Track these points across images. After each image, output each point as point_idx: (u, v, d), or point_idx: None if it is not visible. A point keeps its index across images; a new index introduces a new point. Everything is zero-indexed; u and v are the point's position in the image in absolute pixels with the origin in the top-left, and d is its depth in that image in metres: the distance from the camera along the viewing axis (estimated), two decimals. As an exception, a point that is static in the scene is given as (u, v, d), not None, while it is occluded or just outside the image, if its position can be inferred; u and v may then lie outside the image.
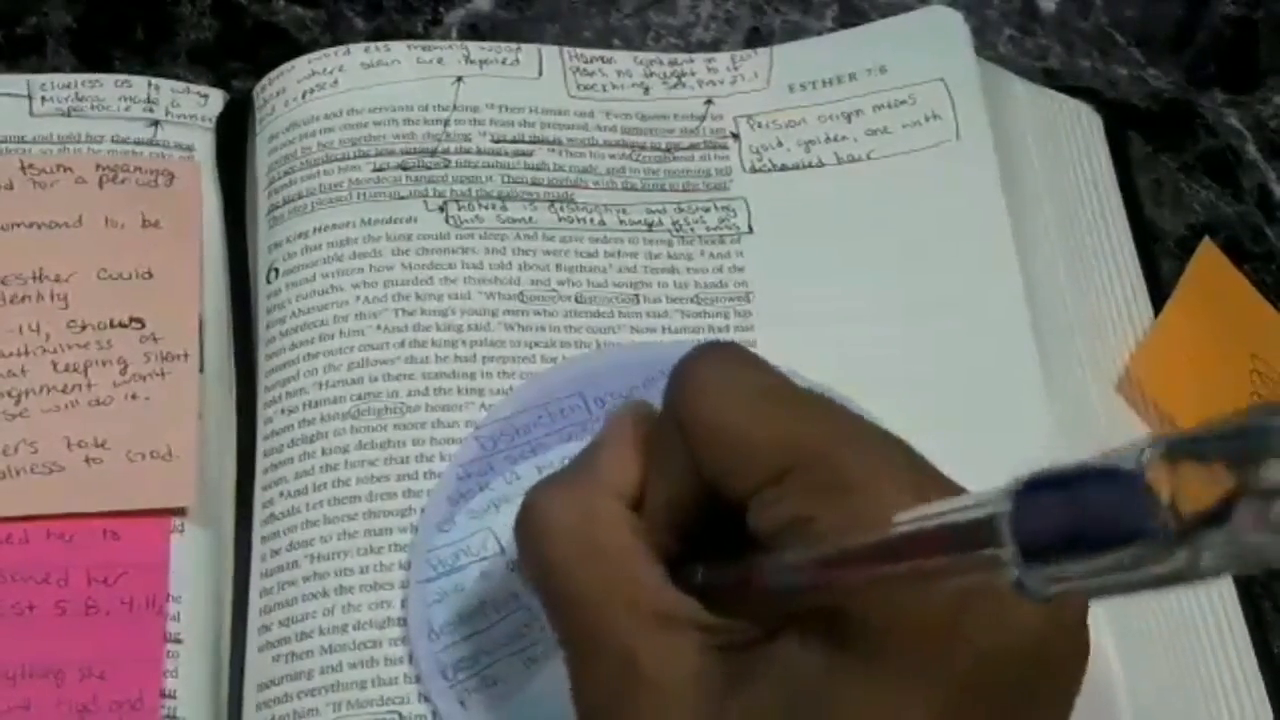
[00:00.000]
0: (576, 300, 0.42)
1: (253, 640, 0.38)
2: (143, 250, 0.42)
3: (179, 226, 0.43)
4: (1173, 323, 0.44)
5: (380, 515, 0.39)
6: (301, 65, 0.45)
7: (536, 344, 0.41)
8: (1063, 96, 0.48)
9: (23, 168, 0.43)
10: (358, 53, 0.46)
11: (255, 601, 0.38)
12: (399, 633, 0.37)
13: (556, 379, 0.41)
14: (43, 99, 0.45)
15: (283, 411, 0.40)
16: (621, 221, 0.44)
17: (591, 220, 0.44)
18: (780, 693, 0.27)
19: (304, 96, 0.45)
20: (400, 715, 0.37)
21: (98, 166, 0.43)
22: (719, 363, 0.31)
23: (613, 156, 0.45)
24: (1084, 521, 0.20)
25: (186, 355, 0.41)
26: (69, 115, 0.44)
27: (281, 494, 0.39)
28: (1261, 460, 0.18)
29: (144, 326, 0.41)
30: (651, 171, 0.45)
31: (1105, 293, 0.45)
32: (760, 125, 0.46)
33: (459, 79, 0.46)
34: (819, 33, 0.49)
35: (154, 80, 0.45)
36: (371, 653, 0.37)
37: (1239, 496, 0.18)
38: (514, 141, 0.45)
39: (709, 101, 0.46)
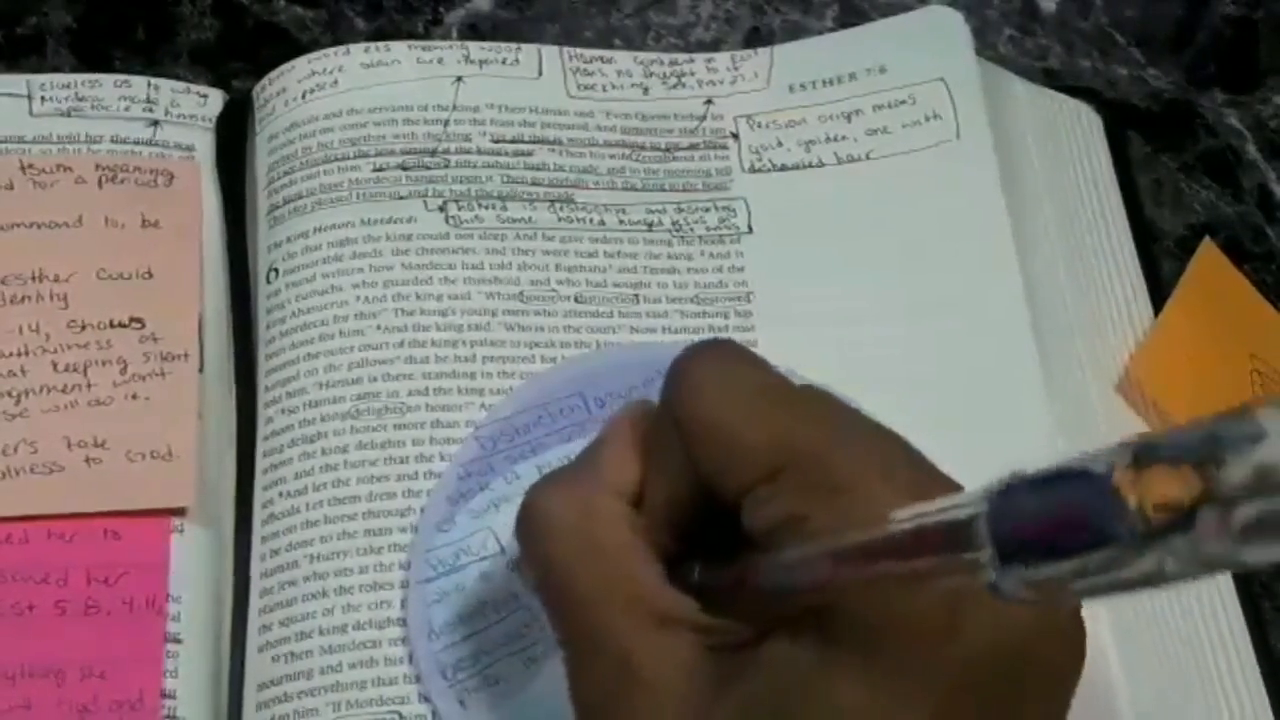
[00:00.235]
0: (576, 300, 0.42)
1: (253, 640, 0.38)
2: (143, 250, 0.42)
3: (179, 226, 0.43)
4: (1173, 323, 0.44)
5: (380, 515, 0.39)
6: (301, 65, 0.45)
7: (536, 344, 0.41)
8: (1063, 96, 0.48)
9: (22, 168, 0.43)
10: (358, 53, 0.46)
11: (255, 601, 0.39)
12: (399, 633, 0.37)
13: (556, 379, 0.41)
14: (42, 99, 0.45)
15: (283, 411, 0.40)
16: (621, 222, 0.44)
17: (591, 220, 0.44)
18: (772, 691, 0.27)
19: (304, 96, 0.45)
20: (400, 715, 0.37)
21: (97, 166, 0.43)
22: (715, 360, 0.31)
23: (612, 156, 0.45)
24: (1056, 524, 0.20)
25: (186, 355, 0.41)
26: (69, 115, 0.44)
27: (281, 494, 0.39)
28: (1223, 465, 0.18)
29: (144, 326, 0.41)
30: (651, 171, 0.45)
31: (1105, 293, 0.45)
32: (760, 125, 0.46)
33: (459, 79, 0.46)
34: (819, 33, 0.49)
35: (154, 80, 0.45)
36: (371, 653, 0.37)
37: (1202, 502, 0.18)
38: (514, 141, 0.45)
39: (709, 101, 0.46)
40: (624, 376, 0.41)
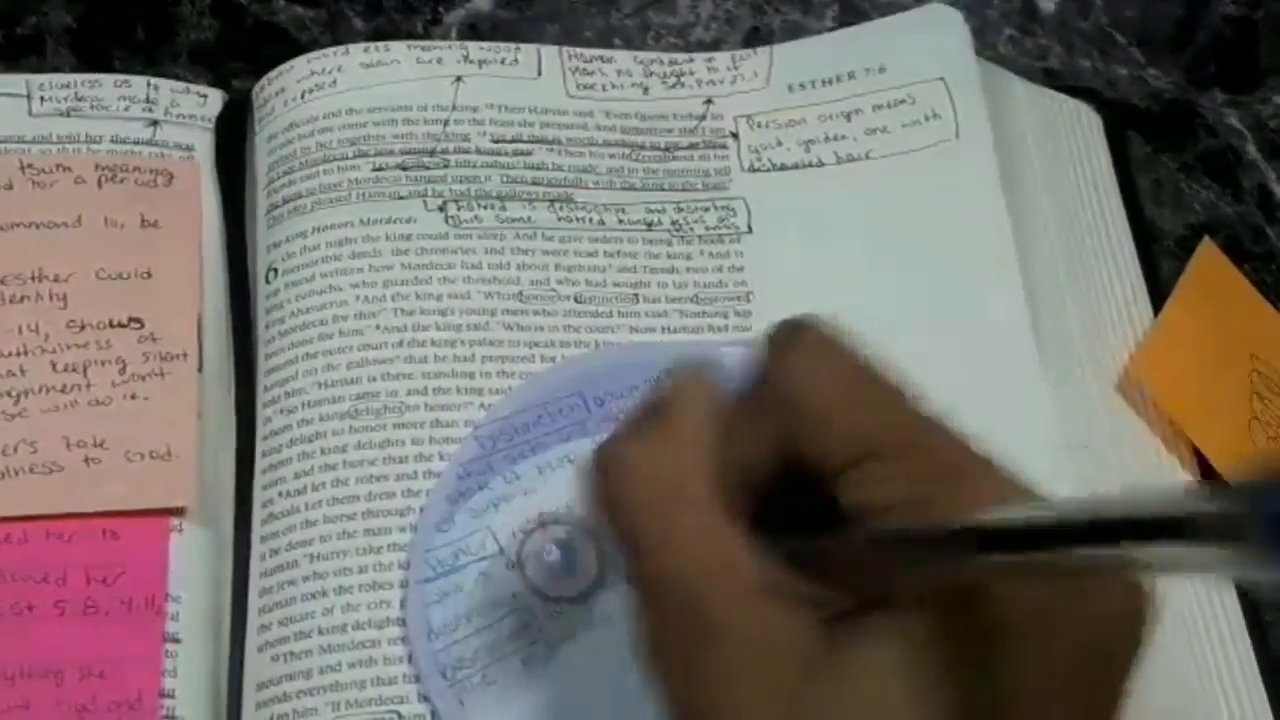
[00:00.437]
0: (576, 300, 0.42)
1: (252, 640, 0.38)
2: (142, 250, 0.42)
3: (178, 226, 0.43)
4: (1173, 322, 0.44)
5: (379, 515, 0.39)
6: (301, 65, 0.45)
7: (536, 344, 0.41)
8: (1063, 96, 0.48)
9: (22, 167, 0.43)
10: (357, 53, 0.45)
11: (254, 601, 0.39)
12: (398, 632, 0.37)
13: (556, 378, 0.41)
14: (42, 99, 0.45)
15: (282, 411, 0.40)
16: (621, 221, 0.44)
17: (591, 220, 0.44)
18: (887, 660, 0.27)
19: (303, 96, 0.45)
20: (399, 715, 0.37)
21: (97, 166, 0.43)
22: (818, 337, 0.31)
23: (612, 156, 0.45)
24: None
25: (185, 355, 0.41)
26: (68, 115, 0.44)
27: (280, 494, 0.39)
28: None
29: (143, 326, 0.41)
30: (651, 171, 0.45)
31: (1105, 293, 0.45)
32: (760, 125, 0.46)
33: (458, 79, 0.46)
34: (819, 32, 0.49)
35: (153, 80, 0.45)
36: (370, 652, 0.37)
37: None
38: (513, 141, 0.45)
39: (708, 101, 0.46)
40: (624, 376, 0.41)
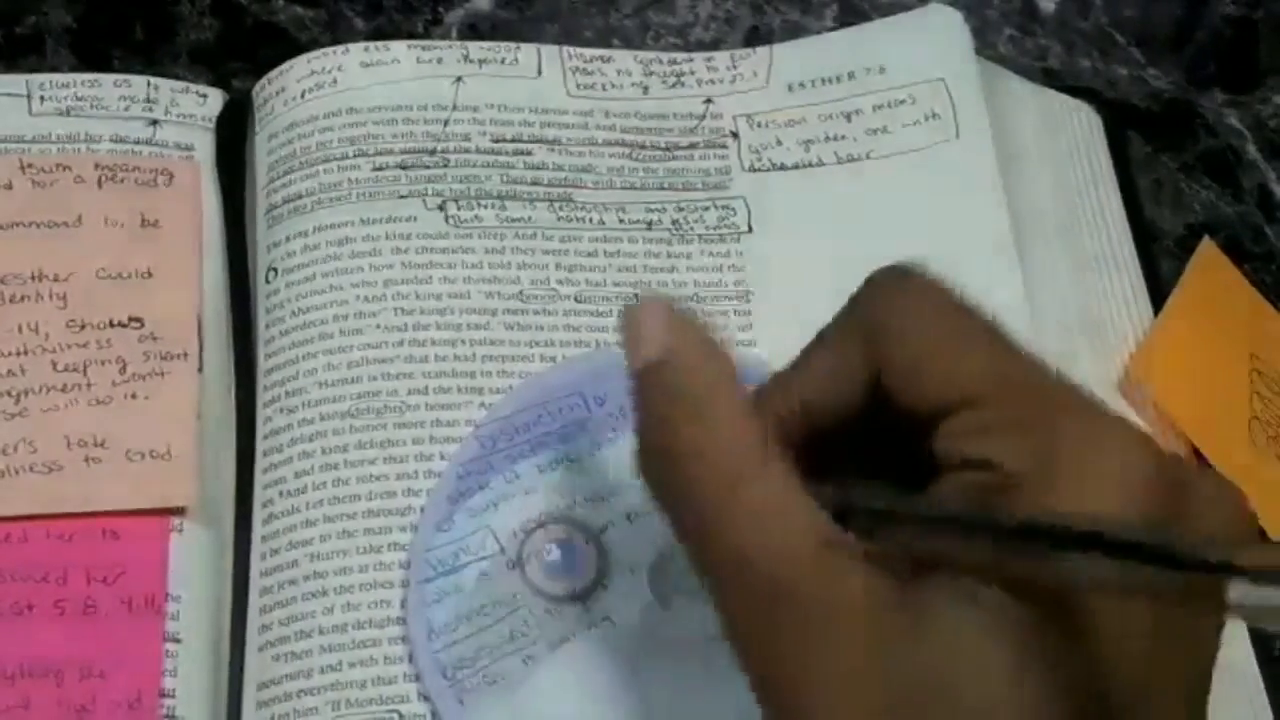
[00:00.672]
0: (576, 299, 0.42)
1: (252, 639, 0.38)
2: (142, 250, 0.42)
3: (178, 226, 0.43)
4: (1173, 322, 0.44)
5: (380, 515, 0.39)
6: (301, 65, 0.45)
7: (536, 343, 0.41)
8: (1063, 96, 0.48)
9: (22, 167, 0.43)
10: (357, 52, 0.46)
11: (255, 601, 0.38)
12: (398, 632, 0.37)
13: (556, 378, 0.41)
14: (42, 98, 0.45)
15: (282, 411, 0.40)
16: (621, 221, 0.44)
17: (591, 219, 0.44)
18: (985, 624, 0.26)
19: (303, 96, 0.45)
20: (400, 714, 0.37)
21: (97, 166, 0.43)
22: (924, 279, 0.30)
23: (612, 156, 0.45)
24: None
25: (186, 355, 0.41)
26: (68, 115, 0.44)
27: (281, 493, 0.39)
28: None
29: (143, 326, 0.41)
30: (651, 171, 0.45)
31: (1105, 293, 0.45)
32: (760, 124, 0.46)
33: (458, 78, 0.46)
34: (819, 32, 0.49)
35: (153, 80, 0.45)
36: (371, 652, 0.37)
37: None
38: (513, 141, 0.45)
39: (708, 101, 0.46)
40: (623, 376, 0.40)
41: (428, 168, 0.44)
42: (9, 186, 0.43)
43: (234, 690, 0.38)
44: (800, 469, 0.29)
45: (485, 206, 0.43)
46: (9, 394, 0.40)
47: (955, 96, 0.45)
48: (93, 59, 0.47)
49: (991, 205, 0.44)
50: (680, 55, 0.47)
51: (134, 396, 0.40)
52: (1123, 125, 0.49)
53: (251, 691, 0.38)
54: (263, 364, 0.41)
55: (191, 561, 0.39)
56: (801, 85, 0.46)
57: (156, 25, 0.48)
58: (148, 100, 0.45)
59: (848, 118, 0.46)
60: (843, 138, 0.45)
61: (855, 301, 0.31)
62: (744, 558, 0.28)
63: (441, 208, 0.43)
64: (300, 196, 0.43)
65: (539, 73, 0.46)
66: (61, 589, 0.38)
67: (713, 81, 0.47)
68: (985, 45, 0.49)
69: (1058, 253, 0.45)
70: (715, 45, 0.49)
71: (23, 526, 0.38)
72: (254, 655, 0.38)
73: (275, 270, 0.43)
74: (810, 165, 0.45)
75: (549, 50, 0.47)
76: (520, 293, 0.42)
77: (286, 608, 0.38)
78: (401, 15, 0.49)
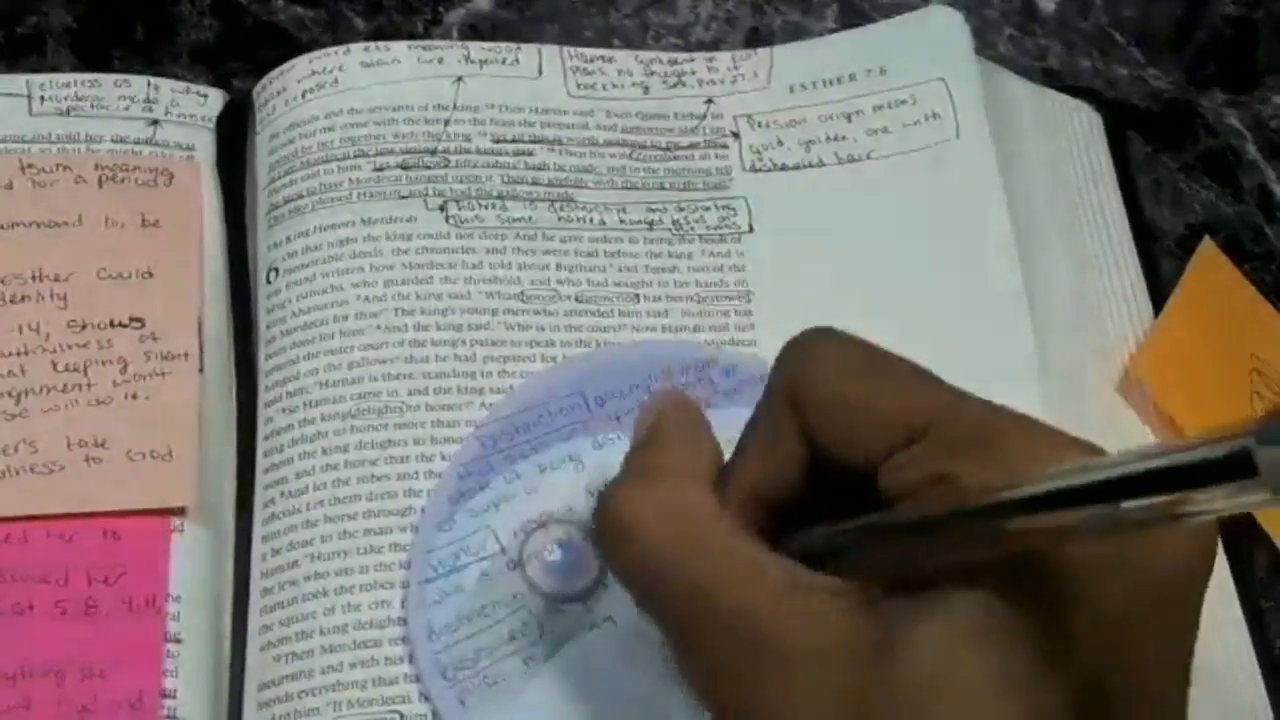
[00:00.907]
0: (577, 299, 0.42)
1: (253, 640, 0.38)
2: (143, 250, 0.42)
3: (179, 226, 0.43)
4: (1173, 322, 0.44)
5: (380, 515, 0.39)
6: (301, 65, 0.45)
7: (537, 343, 0.41)
8: (1063, 96, 0.48)
9: (22, 167, 0.43)
10: (358, 52, 0.46)
11: (256, 601, 0.39)
12: (399, 632, 0.37)
13: (557, 378, 0.41)
14: (42, 99, 0.45)
15: (283, 411, 0.40)
16: (622, 221, 0.44)
17: (591, 220, 0.44)
18: (950, 633, 0.27)
19: (304, 96, 0.45)
20: (400, 715, 0.37)
21: (97, 166, 0.43)
22: (831, 341, 0.31)
23: (613, 156, 0.45)
24: None
25: (186, 355, 0.41)
26: (68, 115, 0.44)
27: (282, 494, 0.39)
28: None
29: (144, 326, 0.41)
30: (651, 171, 0.45)
31: (1105, 292, 0.45)
32: (760, 125, 0.46)
33: (459, 79, 0.46)
34: (819, 33, 0.49)
35: (153, 80, 0.45)
36: (372, 652, 0.37)
37: None
38: (514, 141, 0.45)
39: (709, 101, 0.46)
40: (624, 375, 0.41)
41: (428, 168, 0.44)
42: (9, 187, 0.43)
43: (235, 690, 0.38)
44: (771, 530, 0.30)
45: (486, 207, 0.43)
46: (9, 394, 0.40)
47: (955, 97, 0.46)
48: (93, 59, 0.47)
49: (992, 205, 0.44)
50: (681, 55, 0.47)
51: (134, 397, 0.40)
52: (1123, 125, 0.49)
53: (252, 691, 0.38)
54: (263, 364, 0.42)
55: (192, 562, 0.39)
56: (802, 86, 0.47)
57: (157, 25, 0.48)
58: (148, 100, 0.45)
59: (848, 118, 0.46)
60: (843, 138, 0.45)
61: (776, 373, 0.32)
62: (718, 616, 0.29)
63: (442, 208, 0.43)
64: (301, 197, 0.43)
65: (539, 73, 0.46)
66: (62, 589, 0.38)
67: (713, 82, 0.47)
68: (985, 45, 0.49)
69: (1058, 253, 0.45)
70: (716, 45, 0.49)
71: (23, 527, 0.38)
72: (255, 655, 0.38)
73: (276, 270, 0.43)
74: (811, 165, 0.45)
75: (549, 50, 0.47)
76: (521, 293, 0.42)
77: (287, 608, 0.38)
78: (402, 15, 0.49)
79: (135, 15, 0.48)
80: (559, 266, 0.43)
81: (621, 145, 0.45)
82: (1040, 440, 0.28)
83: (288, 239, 0.43)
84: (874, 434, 0.29)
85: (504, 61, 0.46)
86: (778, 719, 0.28)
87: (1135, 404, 0.43)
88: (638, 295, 0.43)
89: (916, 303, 0.43)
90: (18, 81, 0.45)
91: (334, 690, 0.37)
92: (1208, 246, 0.46)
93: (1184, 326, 0.44)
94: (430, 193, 0.43)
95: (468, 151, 0.44)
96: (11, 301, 0.41)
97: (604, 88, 0.46)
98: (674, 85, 0.47)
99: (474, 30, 0.49)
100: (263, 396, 0.41)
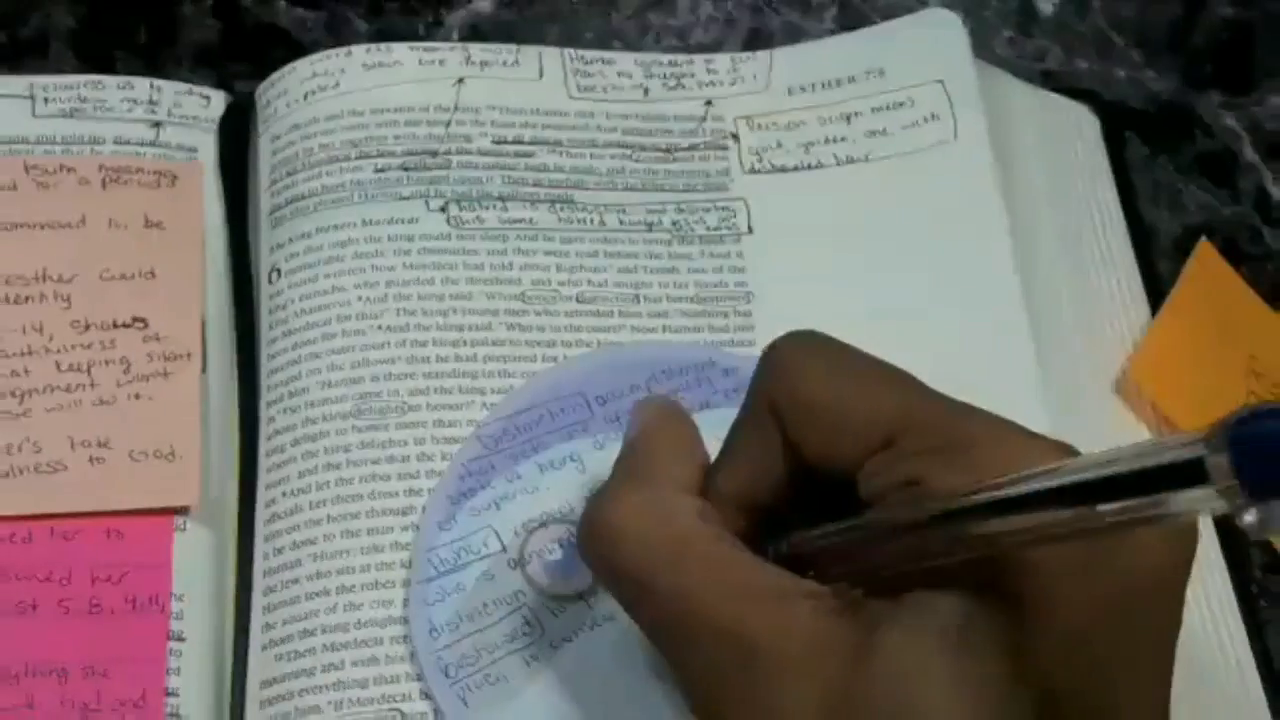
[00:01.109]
0: (577, 300, 0.43)
1: (255, 639, 0.38)
2: (145, 251, 0.42)
3: (181, 227, 0.43)
4: (1170, 323, 0.44)
5: (382, 514, 0.39)
6: (303, 66, 0.45)
7: (538, 344, 0.42)
8: (1061, 98, 0.49)
9: (26, 169, 0.43)
10: (359, 54, 0.46)
11: (258, 600, 0.39)
12: (401, 631, 0.37)
13: (558, 378, 0.41)
14: (45, 100, 0.45)
15: (285, 411, 0.41)
16: (622, 222, 0.44)
17: (592, 221, 0.44)
18: (925, 635, 0.27)
19: (306, 98, 0.45)
20: (402, 713, 0.37)
21: (100, 167, 0.43)
22: (810, 344, 0.32)
23: (613, 157, 0.45)
24: None
25: (189, 355, 0.41)
26: (71, 116, 0.44)
27: (284, 493, 0.40)
28: None
29: (147, 326, 0.41)
30: (651, 172, 0.45)
31: (1102, 293, 0.45)
32: (760, 126, 0.46)
33: (460, 80, 0.46)
34: (818, 34, 0.50)
35: (156, 82, 0.45)
36: (373, 651, 0.37)
37: None
38: (515, 142, 0.45)
39: (709, 103, 0.47)
40: (625, 376, 0.41)
41: (430, 169, 0.44)
42: (13, 188, 0.43)
43: (237, 689, 0.38)
44: (755, 535, 0.31)
45: (487, 208, 0.44)
46: (13, 394, 0.40)
47: (954, 98, 0.46)
48: (96, 61, 0.47)
49: (990, 206, 0.44)
50: (681, 57, 0.48)
51: (138, 397, 0.40)
52: (1120, 126, 0.49)
53: (255, 690, 0.38)
54: (266, 364, 0.42)
55: (195, 561, 0.39)
56: (802, 88, 0.47)
57: (159, 27, 0.48)
58: (151, 102, 0.45)
59: (847, 120, 0.46)
60: (842, 140, 0.46)
61: (757, 378, 0.32)
62: (704, 622, 0.29)
63: (443, 209, 0.43)
64: (303, 198, 0.43)
65: (540, 75, 0.46)
66: (66, 588, 0.38)
67: (713, 83, 0.47)
68: (983, 47, 0.49)
69: (1055, 254, 0.45)
70: (715, 47, 0.49)
71: (27, 526, 0.39)
72: (257, 654, 0.38)
73: (278, 271, 0.43)
74: (810, 167, 0.45)
75: (550, 52, 0.47)
76: (522, 293, 0.42)
77: (289, 607, 0.38)
78: (403, 17, 0.49)
79: (138, 17, 0.48)
80: (559, 267, 0.43)
81: (622, 147, 0.46)
82: (1011, 442, 0.28)
83: (290, 240, 0.43)
84: (850, 439, 0.30)
85: (505, 63, 0.46)
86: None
87: (1133, 405, 0.43)
88: (638, 296, 0.43)
89: (915, 304, 0.43)
90: (21, 83, 0.45)
91: (335, 689, 0.37)
92: (1205, 248, 0.46)
93: (1181, 328, 0.45)
94: (431, 194, 0.44)
95: (469, 153, 0.45)
96: (15, 302, 0.41)
97: (604, 89, 0.47)
98: (674, 87, 0.47)
99: (475, 32, 0.49)
100: (265, 396, 0.41)
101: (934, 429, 0.29)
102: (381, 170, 0.44)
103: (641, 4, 0.50)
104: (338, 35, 0.48)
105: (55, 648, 0.37)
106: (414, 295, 0.42)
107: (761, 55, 0.48)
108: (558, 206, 0.44)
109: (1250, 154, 0.50)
